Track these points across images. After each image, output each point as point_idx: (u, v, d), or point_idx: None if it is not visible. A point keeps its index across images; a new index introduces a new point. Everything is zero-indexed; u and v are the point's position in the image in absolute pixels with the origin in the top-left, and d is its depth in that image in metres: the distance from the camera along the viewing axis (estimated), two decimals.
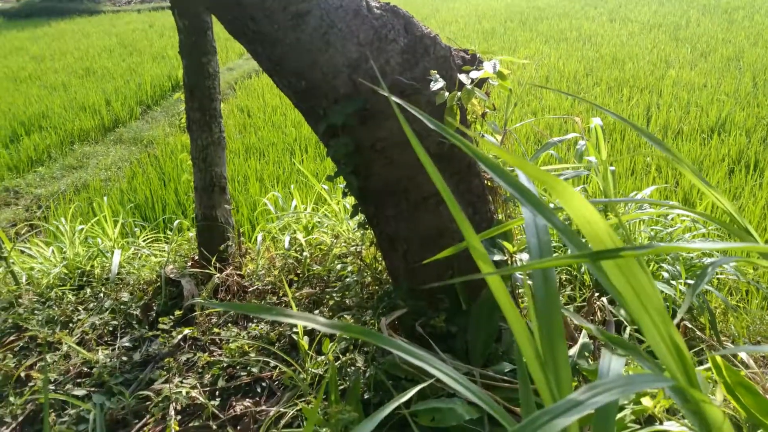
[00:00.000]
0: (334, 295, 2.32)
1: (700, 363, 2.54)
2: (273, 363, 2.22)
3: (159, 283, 2.82)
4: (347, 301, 2.33)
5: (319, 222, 3.08)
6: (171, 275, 2.80)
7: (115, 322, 2.64)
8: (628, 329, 2.28)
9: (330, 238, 2.85)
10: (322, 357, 2.05)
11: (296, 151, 6.99)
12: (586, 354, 1.95)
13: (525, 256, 1.97)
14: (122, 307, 2.68)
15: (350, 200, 3.04)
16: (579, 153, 3.56)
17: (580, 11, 15.41)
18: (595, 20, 13.89)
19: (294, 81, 1.86)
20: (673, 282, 2.73)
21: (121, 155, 7.63)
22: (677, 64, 9.43)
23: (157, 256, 3.12)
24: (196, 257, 3.03)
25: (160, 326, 2.37)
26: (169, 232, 3.70)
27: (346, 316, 2.19)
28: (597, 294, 2.62)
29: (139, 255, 3.20)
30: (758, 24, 11.99)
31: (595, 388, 0.66)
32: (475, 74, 1.72)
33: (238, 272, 2.82)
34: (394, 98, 1.80)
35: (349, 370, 1.96)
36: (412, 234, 2.00)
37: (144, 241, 3.42)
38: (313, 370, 2.00)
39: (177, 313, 2.45)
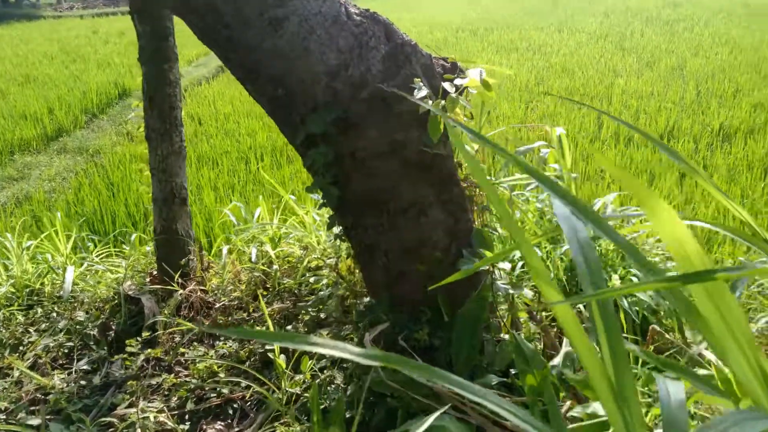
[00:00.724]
0: (310, 310, 2.23)
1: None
2: (245, 383, 2.12)
3: (117, 301, 2.68)
4: (322, 315, 2.25)
5: (286, 233, 2.98)
6: (130, 292, 2.66)
7: (71, 344, 2.48)
8: None
9: (299, 249, 2.76)
10: (299, 375, 1.96)
11: (251, 159, 6.84)
12: (569, 363, 1.92)
13: (506, 265, 1.94)
14: (78, 327, 2.53)
15: (325, 211, 2.96)
16: (543, 160, 3.58)
17: (529, 22, 15.74)
18: (544, 30, 14.19)
19: (270, 88, 1.78)
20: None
21: (66, 165, 7.31)
22: (624, 73, 9.70)
23: (114, 272, 2.96)
24: (155, 272, 2.90)
25: (128, 349, 2.23)
26: (125, 246, 3.54)
27: (323, 332, 2.11)
28: None
29: (94, 271, 3.03)
30: (698, 35, 12.48)
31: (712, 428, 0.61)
32: (460, 82, 1.68)
33: (202, 288, 2.70)
34: (375, 107, 1.74)
35: (329, 388, 1.88)
36: (393, 245, 1.94)
37: (98, 256, 3.25)
38: (290, 390, 1.91)
39: (145, 334, 2.32)
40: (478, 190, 2.18)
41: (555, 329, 2.22)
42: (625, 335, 2.57)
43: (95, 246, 3.43)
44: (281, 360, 1.92)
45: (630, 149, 6.38)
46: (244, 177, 6.32)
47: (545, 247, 3.06)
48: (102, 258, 3.24)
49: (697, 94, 8.16)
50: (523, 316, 2.23)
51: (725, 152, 6.10)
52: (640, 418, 0.74)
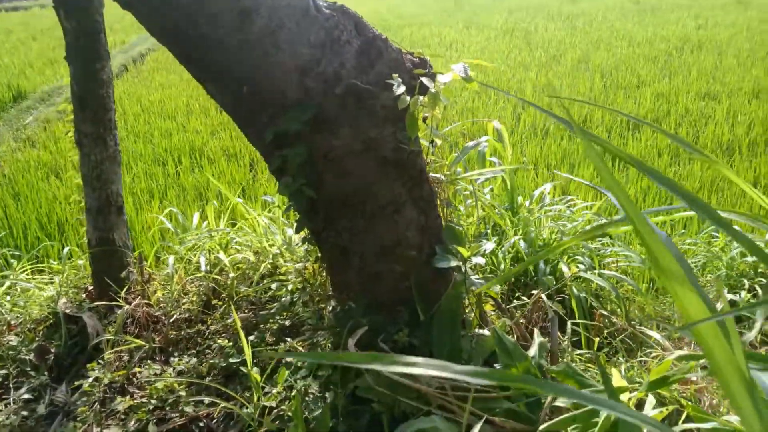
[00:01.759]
0: (278, 318, 2.13)
1: (609, 344, 2.66)
2: (208, 399, 2.00)
3: (52, 321, 2.46)
4: (287, 323, 2.15)
5: (232, 238, 2.84)
6: (67, 311, 2.44)
7: (5, 372, 2.25)
8: (569, 324, 2.32)
9: (252, 255, 2.64)
10: (273, 388, 1.87)
11: (169, 161, 6.54)
12: (544, 354, 1.94)
13: (479, 260, 1.93)
14: (11, 353, 2.29)
15: (278, 214, 2.84)
16: (482, 154, 3.62)
17: (438, 18, 15.99)
18: (453, 27, 14.46)
19: (234, 87, 1.68)
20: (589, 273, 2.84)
21: None
22: (534, 67, 10.03)
23: (44, 290, 2.72)
24: (90, 287, 2.69)
25: (90, 374, 2.04)
26: (53, 262, 3.26)
27: (294, 341, 2.02)
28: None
29: (20, 290, 2.76)
30: (597, 30, 13.11)
31: None
32: (443, 78, 1.65)
33: (147, 301, 2.52)
34: (349, 103, 1.68)
35: (306, 398, 1.80)
36: (368, 245, 1.89)
37: (22, 272, 2.97)
38: (266, 403, 1.82)
39: (109, 355, 2.13)
40: (442, 185, 2.17)
41: (523, 321, 2.24)
42: (575, 321, 2.65)
43: (18, 262, 3.14)
44: (255, 373, 1.82)
45: (548, 140, 6.59)
46: (163, 181, 6.02)
47: (496, 241, 3.10)
48: (27, 275, 2.97)
49: (604, 86, 8.56)
50: (489, 309, 2.23)
51: (636, 140, 6.42)
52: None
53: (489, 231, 3.10)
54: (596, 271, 2.84)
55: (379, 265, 1.91)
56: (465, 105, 8.07)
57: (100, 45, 2.44)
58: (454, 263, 1.87)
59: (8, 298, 2.78)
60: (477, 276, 1.92)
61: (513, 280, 2.98)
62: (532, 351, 1.89)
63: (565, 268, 2.79)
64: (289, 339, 2.06)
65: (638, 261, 3.11)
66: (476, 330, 1.95)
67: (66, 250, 2.86)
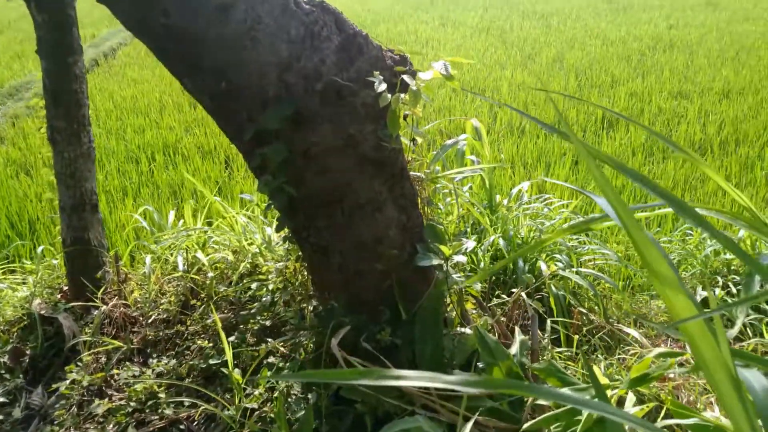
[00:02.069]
0: (258, 318, 2.11)
1: (588, 342, 2.69)
2: (188, 401, 1.97)
3: (26, 322, 2.40)
4: (267, 323, 2.13)
5: (209, 237, 2.80)
6: (42, 312, 2.39)
7: None
8: (548, 322, 2.34)
9: (230, 254, 2.60)
10: (254, 390, 1.85)
11: (142, 158, 6.44)
12: (525, 352, 1.95)
13: (461, 258, 1.93)
14: None
15: (258, 212, 2.80)
16: (461, 152, 3.62)
17: (414, 15, 15.99)
18: (429, 24, 14.47)
19: (212, 83, 1.65)
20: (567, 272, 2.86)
21: None
22: (510, 65, 10.09)
23: (17, 290, 2.65)
24: (65, 288, 2.63)
25: (69, 376, 1.99)
26: (26, 262, 3.18)
27: (276, 341, 2.00)
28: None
29: None
30: (571, 29, 13.23)
31: None
32: (425, 75, 1.64)
33: (124, 302, 2.48)
34: (329, 100, 1.66)
35: (289, 399, 1.79)
36: (349, 244, 1.87)
37: None
38: (248, 405, 1.79)
39: (87, 357, 2.08)
40: (423, 183, 2.16)
41: (503, 319, 2.24)
42: (555, 319, 2.67)
43: None
44: (237, 374, 1.79)
45: (524, 139, 6.63)
46: (136, 179, 5.93)
47: (476, 239, 3.11)
48: (0, 275, 2.89)
49: (578, 85, 8.64)
50: (470, 307, 2.24)
51: (611, 138, 6.50)
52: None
53: (468, 229, 3.11)
54: (574, 269, 2.87)
55: (360, 264, 1.89)
56: (442, 103, 8.08)
57: (72, 39, 2.38)
58: (435, 261, 1.87)
59: None
60: (458, 274, 1.91)
61: (493, 278, 3.00)
62: (514, 349, 1.90)
63: (543, 266, 2.80)
64: (270, 339, 2.04)
65: (615, 259, 3.15)
66: (458, 328, 1.95)
67: (40, 249, 2.79)
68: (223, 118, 1.76)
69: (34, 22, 2.35)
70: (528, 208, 3.38)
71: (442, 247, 1.91)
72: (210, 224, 3.27)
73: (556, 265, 2.97)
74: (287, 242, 1.97)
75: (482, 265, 2.96)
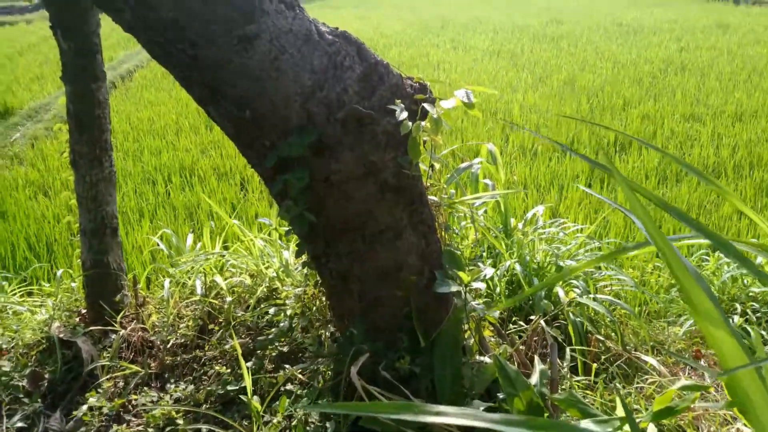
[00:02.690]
0: (276, 344, 2.11)
1: (605, 370, 2.67)
2: (206, 428, 1.97)
3: (45, 346, 2.41)
4: (285, 349, 2.13)
5: (227, 261, 2.81)
6: (61, 335, 2.40)
7: None
8: (567, 350, 2.32)
9: (248, 278, 2.61)
10: (273, 417, 1.84)
11: (158, 180, 6.49)
12: (545, 382, 1.93)
13: (480, 285, 1.92)
14: (3, 378, 2.24)
15: (276, 236, 2.81)
16: (474, 176, 3.64)
17: (424, 39, 16.11)
18: (440, 48, 14.59)
19: (235, 111, 1.67)
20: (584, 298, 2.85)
21: None
22: (521, 88, 10.14)
23: (35, 313, 2.67)
24: (84, 311, 2.65)
25: (89, 401, 2.00)
26: (44, 284, 3.21)
27: (294, 369, 1.99)
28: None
29: (12, 313, 2.71)
30: (582, 51, 13.29)
31: None
32: (447, 104, 1.65)
33: (142, 326, 2.49)
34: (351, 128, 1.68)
35: (308, 428, 1.78)
36: (368, 271, 1.88)
37: (14, 295, 2.92)
38: None
39: (105, 382, 2.08)
40: (440, 208, 2.17)
41: (522, 347, 2.23)
42: (573, 346, 2.65)
43: (9, 284, 3.08)
44: (256, 401, 1.79)
45: (536, 161, 6.64)
46: (153, 200, 5.98)
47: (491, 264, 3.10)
48: (19, 297, 2.91)
49: (590, 108, 8.66)
50: (488, 334, 2.23)
51: (624, 162, 6.49)
52: None
53: (484, 253, 3.11)
54: (591, 296, 2.86)
55: (379, 291, 1.90)
56: (454, 125, 8.12)
57: (96, 65, 2.43)
58: (454, 288, 1.87)
59: (4, 316, 2.73)
60: (477, 301, 1.91)
61: (507, 307, 2.99)
62: (534, 379, 1.89)
63: (561, 293, 2.79)
64: (288, 366, 2.04)
65: (632, 285, 3.13)
66: (477, 357, 1.94)
67: (59, 272, 2.81)
68: (246, 144, 1.79)
69: (59, 50, 2.40)
70: (543, 232, 3.37)
71: (461, 274, 1.91)
72: (227, 247, 3.29)
73: (573, 291, 2.96)
74: (306, 268, 1.98)
75: (498, 290, 2.96)
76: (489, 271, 1.97)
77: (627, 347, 2.92)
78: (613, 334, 2.90)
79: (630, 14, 19.95)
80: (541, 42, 14.96)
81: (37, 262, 4.43)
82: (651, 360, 2.69)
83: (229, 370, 2.09)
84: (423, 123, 1.66)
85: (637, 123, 7.69)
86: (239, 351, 1.72)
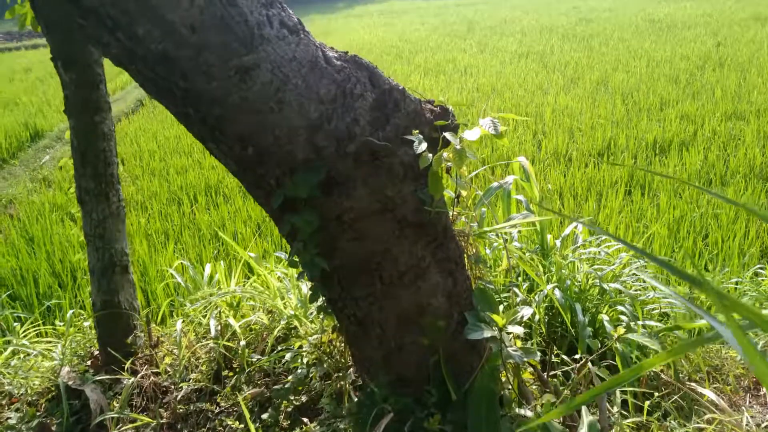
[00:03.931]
0: (292, 398, 1.93)
1: (658, 405, 2.43)
2: None
3: (53, 393, 2.28)
4: (303, 399, 1.95)
5: (243, 296, 2.65)
6: (70, 382, 2.27)
7: None
8: (618, 394, 2.09)
9: (265, 317, 2.45)
10: None
11: (184, 200, 6.42)
12: None
13: (517, 329, 1.72)
14: None
15: (295, 270, 2.64)
16: (507, 192, 3.42)
17: (451, 43, 15.91)
18: (467, 52, 14.35)
19: (237, 148, 1.51)
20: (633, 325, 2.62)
21: None
22: (552, 90, 9.85)
23: (47, 356, 2.55)
24: (96, 353, 2.51)
25: None
26: (58, 323, 3.10)
27: (312, 426, 1.82)
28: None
29: (22, 356, 2.59)
30: (614, 50, 12.91)
31: None
32: (470, 135, 1.46)
33: (155, 370, 2.34)
34: (364, 162, 1.50)
35: None
36: (388, 316, 1.69)
37: (25, 336, 2.81)
38: None
39: None
40: (468, 239, 1.97)
41: (567, 393, 2.01)
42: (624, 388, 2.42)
43: (21, 324, 2.97)
44: None
45: (571, 168, 6.37)
46: (178, 221, 5.89)
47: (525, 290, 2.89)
48: (30, 339, 2.80)
49: (626, 109, 8.33)
50: (527, 377, 2.02)
51: (664, 165, 6.18)
52: None
53: (520, 278, 2.89)
54: (640, 322, 2.62)
55: (402, 337, 1.71)
56: (484, 133, 7.87)
57: (100, 96, 2.30)
58: (488, 334, 1.67)
59: (13, 362, 2.61)
60: (514, 347, 1.71)
61: (545, 332, 2.77)
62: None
63: (606, 321, 2.57)
64: (305, 420, 1.86)
65: (683, 307, 2.88)
66: (516, 409, 1.73)
67: (69, 313, 2.69)
68: (251, 183, 1.62)
69: (61, 82, 2.28)
70: (584, 251, 3.14)
71: (495, 317, 1.71)
72: (250, 275, 3.14)
73: (620, 318, 2.72)
74: (321, 313, 1.80)
75: (537, 317, 2.73)
76: (527, 312, 1.76)
77: (680, 376, 2.68)
78: (665, 368, 2.66)
79: (662, 9, 19.39)
80: (571, 42, 14.60)
81: (61, 290, 4.35)
82: (708, 393, 2.44)
83: (243, 426, 1.93)
84: (445, 154, 1.47)
85: (676, 124, 7.35)
86: (248, 416, 1.55)
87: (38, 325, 2.96)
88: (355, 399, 1.90)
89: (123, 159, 8.18)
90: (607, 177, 5.98)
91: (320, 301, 1.78)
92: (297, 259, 1.59)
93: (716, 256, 4.27)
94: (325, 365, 1.95)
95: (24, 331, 2.82)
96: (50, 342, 2.69)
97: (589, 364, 1.98)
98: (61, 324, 2.98)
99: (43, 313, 3.91)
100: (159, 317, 3.00)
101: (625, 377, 0.65)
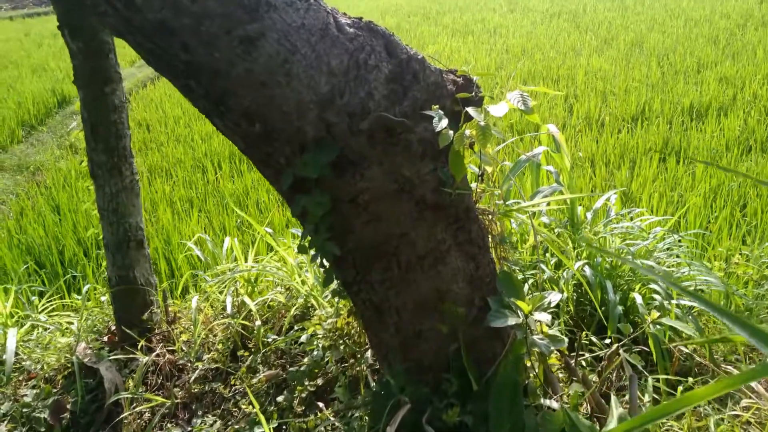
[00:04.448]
0: (306, 383, 1.86)
1: (692, 389, 2.31)
2: None
3: (70, 369, 2.26)
4: (319, 382, 1.89)
5: (261, 272, 2.58)
6: (86, 360, 2.24)
7: None
8: (650, 380, 1.99)
9: (282, 294, 2.38)
10: None
11: (208, 167, 6.37)
12: None
13: (544, 317, 1.61)
14: (25, 410, 2.10)
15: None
16: (536, 164, 3.28)
17: (480, 2, 15.46)
18: (497, 11, 13.94)
19: (244, 124, 1.41)
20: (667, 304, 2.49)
21: (4, 186, 6.71)
22: (585, 51, 9.51)
23: (65, 331, 2.52)
24: (114, 328, 2.48)
25: None
26: (76, 296, 3.08)
27: (327, 412, 1.75)
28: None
29: (41, 332, 2.57)
30: (650, 9, 12.40)
31: None
32: (497, 110, 1.33)
33: (170, 347, 2.30)
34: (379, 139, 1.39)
35: None
36: (406, 301, 1.60)
37: (44, 310, 2.78)
38: None
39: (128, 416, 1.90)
40: (492, 217, 1.86)
41: (596, 380, 1.91)
42: (656, 375, 2.32)
43: (39, 299, 2.95)
44: None
45: (604, 134, 6.15)
46: (202, 189, 5.85)
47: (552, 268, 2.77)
48: (50, 312, 2.78)
49: (662, 71, 8.00)
50: (553, 362, 1.92)
51: (701, 131, 5.92)
52: None
53: (548, 254, 2.76)
54: (674, 301, 2.49)
55: (420, 324, 1.62)
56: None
57: (109, 66, 2.21)
58: (512, 321, 1.56)
59: (33, 336, 2.59)
60: (540, 335, 1.60)
61: (573, 311, 2.65)
62: (611, 427, 1.58)
63: (642, 308, 2.44)
64: (321, 405, 1.80)
65: (720, 286, 2.74)
66: (541, 399, 1.64)
67: (85, 288, 2.65)
68: (259, 161, 1.52)
69: (69, 51, 2.19)
70: (616, 225, 2.99)
71: (520, 303, 1.60)
72: (270, 249, 3.07)
73: (654, 297, 2.60)
74: (336, 297, 1.71)
75: (564, 295, 2.62)
76: (555, 298, 1.65)
77: (715, 357, 2.56)
78: (700, 348, 2.53)
79: None
80: (605, 1, 14.06)
81: (86, 259, 4.36)
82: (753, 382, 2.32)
83: (255, 410, 1.87)
84: (467, 131, 1.35)
85: (714, 87, 7.03)
86: (257, 407, 1.47)
87: (59, 298, 2.94)
88: (372, 384, 1.83)
89: (149, 125, 8.15)
90: (641, 143, 5.76)
91: (335, 284, 1.69)
92: (306, 244, 1.50)
93: (755, 228, 4.08)
94: (340, 349, 1.88)
95: (43, 305, 2.80)
96: (70, 315, 2.66)
97: (621, 351, 1.86)
98: (78, 298, 2.96)
99: (69, 282, 3.92)
100: (179, 290, 2.95)
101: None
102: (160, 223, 4.92)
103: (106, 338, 2.45)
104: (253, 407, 1.85)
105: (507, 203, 2.86)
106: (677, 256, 2.99)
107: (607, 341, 2.24)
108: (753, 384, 2.29)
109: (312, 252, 1.56)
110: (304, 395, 1.85)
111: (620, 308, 2.50)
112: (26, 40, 15.69)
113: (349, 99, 1.36)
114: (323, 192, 1.42)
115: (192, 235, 4.31)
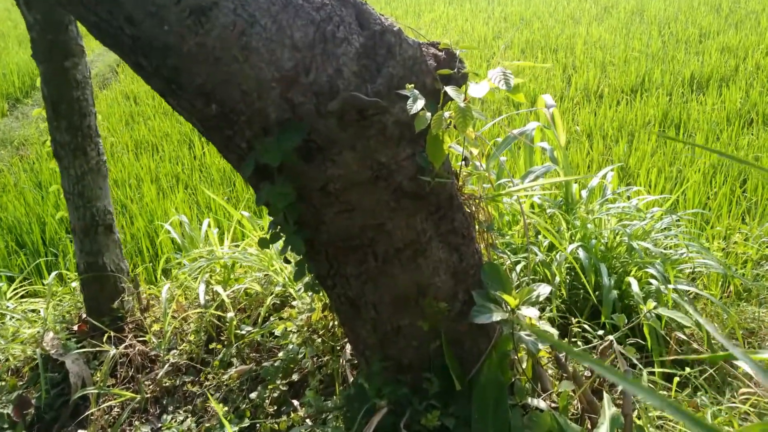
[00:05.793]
0: (279, 382, 1.75)
1: (688, 379, 2.22)
2: None
3: (37, 362, 2.14)
4: (295, 377, 1.78)
5: (236, 259, 2.45)
6: (52, 351, 2.12)
7: None
8: (645, 373, 1.88)
9: (259, 282, 2.26)
10: None
11: (195, 142, 6.20)
12: (617, 430, 1.52)
13: (532, 312, 1.49)
14: None
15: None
16: (530, 138, 3.14)
17: None
18: None
19: (200, 105, 1.27)
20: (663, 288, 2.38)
21: None
22: (584, 20, 9.27)
23: (32, 320, 2.40)
24: (85, 316, 2.36)
25: None
26: (44, 281, 2.95)
27: (300, 413, 1.64)
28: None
29: (6, 321, 2.44)
30: None
31: None
32: (477, 90, 1.19)
33: (141, 338, 2.18)
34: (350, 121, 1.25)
35: None
36: (384, 296, 1.48)
37: (13, 296, 2.65)
38: None
39: (95, 412, 1.79)
40: (478, 202, 1.73)
41: (587, 375, 1.81)
42: (648, 354, 2.22)
43: (9, 284, 2.82)
44: None
45: (603, 107, 5.98)
46: (189, 164, 5.70)
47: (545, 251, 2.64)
48: (20, 299, 2.64)
49: (662, 41, 7.79)
50: (543, 355, 1.81)
51: (701, 103, 5.76)
52: None
53: (540, 236, 2.64)
54: (671, 286, 2.38)
55: (399, 320, 1.50)
56: (509, 68, 7.44)
57: (69, 39, 2.05)
58: (497, 317, 1.45)
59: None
60: (527, 332, 1.49)
61: (566, 295, 2.54)
62: (603, 429, 1.47)
63: (636, 289, 2.33)
64: (295, 403, 1.69)
65: (719, 269, 2.62)
66: (528, 398, 1.53)
67: (52, 275, 2.52)
68: (220, 145, 1.39)
69: (25, 23, 2.03)
70: (612, 205, 2.86)
71: (507, 297, 1.49)
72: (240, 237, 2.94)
73: (649, 282, 2.48)
74: (309, 291, 1.59)
75: (557, 279, 2.50)
76: (545, 290, 1.53)
77: (712, 343, 2.47)
78: (697, 330, 2.43)
79: None
80: None
81: (67, 238, 4.23)
82: (743, 365, 2.22)
83: (226, 408, 1.76)
84: (446, 114, 1.21)
85: (716, 57, 6.84)
86: (220, 411, 1.37)
87: (29, 284, 2.82)
88: (351, 379, 1.72)
89: (136, 97, 7.95)
90: (639, 116, 5.60)
91: (308, 278, 1.57)
92: (268, 237, 1.37)
93: (755, 205, 3.96)
94: (315, 345, 1.77)
95: (14, 290, 2.67)
96: (38, 303, 2.54)
97: (615, 345, 1.75)
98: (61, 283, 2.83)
99: (50, 264, 3.79)
100: (159, 273, 2.83)
101: None
102: (143, 201, 4.78)
103: (76, 327, 2.33)
104: (223, 407, 1.74)
105: (498, 183, 2.73)
106: (675, 237, 2.87)
107: (600, 332, 2.13)
108: (748, 369, 2.19)
109: (279, 244, 1.43)
110: (276, 394, 1.74)
111: (615, 293, 2.39)
112: (14, 9, 15.31)
113: (315, 76, 1.21)
114: (286, 181, 1.28)
115: (177, 213, 4.17)
